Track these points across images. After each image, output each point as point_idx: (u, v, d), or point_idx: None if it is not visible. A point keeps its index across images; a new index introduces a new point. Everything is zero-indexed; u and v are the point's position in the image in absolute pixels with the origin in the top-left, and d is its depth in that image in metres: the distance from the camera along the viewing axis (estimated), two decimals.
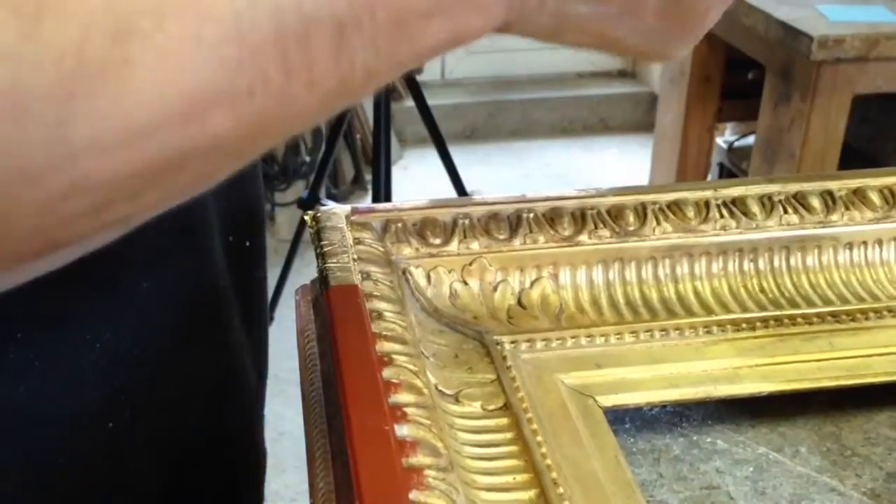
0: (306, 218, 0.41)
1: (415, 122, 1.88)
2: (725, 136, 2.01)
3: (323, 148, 1.73)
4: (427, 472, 0.27)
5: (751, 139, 1.66)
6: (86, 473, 0.35)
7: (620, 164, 2.64)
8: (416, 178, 2.48)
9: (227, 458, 0.42)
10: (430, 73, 2.75)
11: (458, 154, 1.66)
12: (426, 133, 1.53)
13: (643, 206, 0.43)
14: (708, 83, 1.70)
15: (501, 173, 2.56)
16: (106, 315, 0.34)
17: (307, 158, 2.15)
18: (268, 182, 2.14)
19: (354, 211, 0.41)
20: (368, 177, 2.09)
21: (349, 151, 2.22)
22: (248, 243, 0.42)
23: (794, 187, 0.44)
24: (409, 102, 1.56)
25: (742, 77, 1.70)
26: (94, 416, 0.35)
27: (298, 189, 2.11)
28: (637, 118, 2.80)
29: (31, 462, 0.33)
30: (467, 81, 2.81)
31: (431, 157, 1.61)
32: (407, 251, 0.40)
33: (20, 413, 0.32)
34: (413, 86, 1.31)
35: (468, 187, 1.61)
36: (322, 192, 1.66)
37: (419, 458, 0.28)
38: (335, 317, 0.34)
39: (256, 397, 0.46)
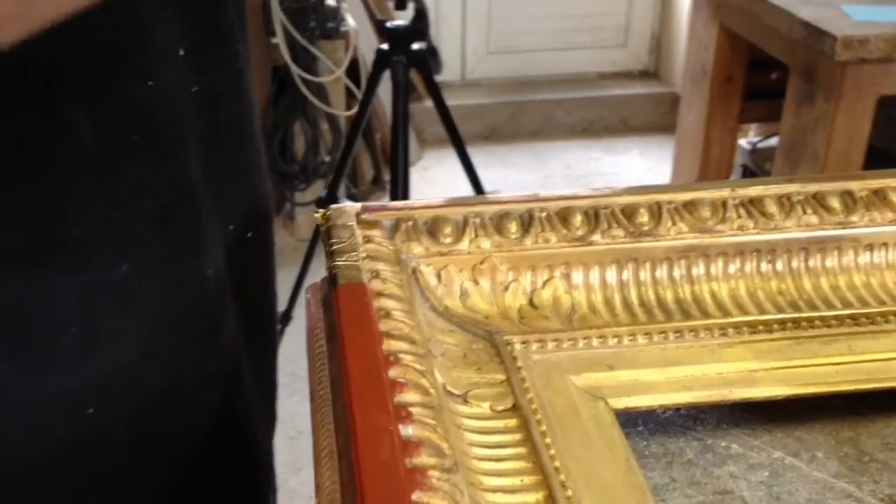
0: (317, 216, 0.40)
1: (434, 123, 1.88)
2: (749, 138, 1.99)
3: (342, 147, 1.73)
4: (431, 472, 0.27)
5: (774, 140, 1.64)
6: (60, 462, 0.34)
7: (642, 166, 2.62)
8: (436, 180, 2.48)
9: (220, 460, 0.42)
10: (450, 73, 2.75)
11: (477, 155, 1.65)
12: (446, 134, 1.53)
13: (658, 205, 0.42)
14: (730, 83, 1.68)
15: (521, 174, 2.55)
16: (78, 299, 0.33)
17: (326, 158, 2.15)
18: (287, 182, 2.15)
19: (365, 209, 0.40)
20: (388, 177, 2.09)
21: (369, 151, 2.22)
22: (249, 234, 0.42)
23: (813, 187, 0.43)
24: (429, 103, 1.55)
25: (765, 77, 1.68)
26: (69, 403, 0.34)
27: (318, 189, 2.12)
28: (659, 119, 2.78)
29: (4, 448, 0.33)
30: (487, 82, 2.80)
31: (451, 159, 1.60)
32: (417, 250, 0.40)
33: None
34: (432, 86, 1.30)
35: (488, 188, 1.61)
36: (341, 192, 1.66)
37: (423, 459, 0.27)
38: (342, 315, 0.33)
39: (259, 395, 0.45)
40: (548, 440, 0.33)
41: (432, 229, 0.40)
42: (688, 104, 1.82)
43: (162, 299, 0.36)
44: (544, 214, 0.41)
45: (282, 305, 1.62)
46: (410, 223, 0.40)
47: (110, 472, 0.37)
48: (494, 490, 0.30)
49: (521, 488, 0.31)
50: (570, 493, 0.31)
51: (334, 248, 0.37)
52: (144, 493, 0.38)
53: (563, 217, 0.41)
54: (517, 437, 0.33)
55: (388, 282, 0.36)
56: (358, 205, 0.40)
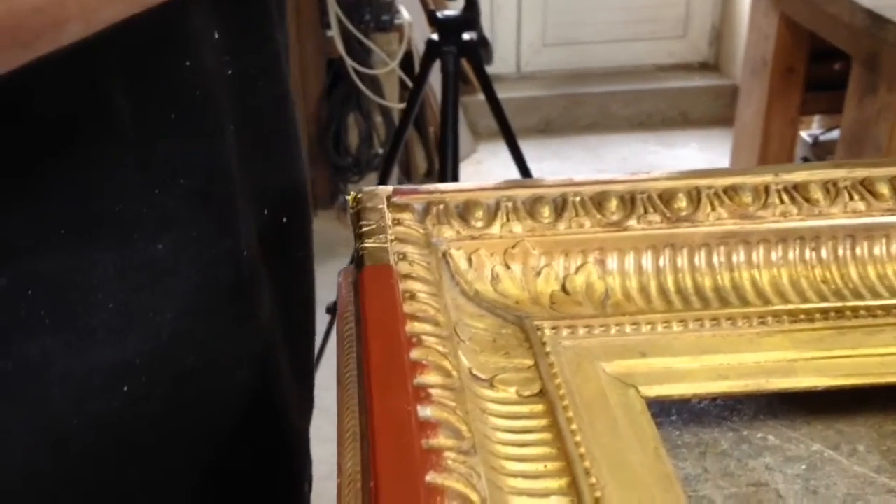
0: (348, 198, 0.40)
1: (488, 116, 1.87)
2: (812, 130, 1.94)
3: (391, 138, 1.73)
4: (447, 454, 0.27)
5: (837, 133, 1.60)
6: (98, 437, 0.35)
7: (700, 159, 2.57)
8: (490, 173, 2.47)
9: (254, 443, 0.42)
10: (505, 65, 2.74)
11: (532, 148, 1.64)
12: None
13: (697, 190, 0.41)
14: (791, 74, 1.64)
15: (576, 168, 2.52)
16: (117, 275, 0.34)
17: (380, 150, 2.16)
18: (341, 174, 2.16)
19: (396, 192, 0.40)
20: None
21: (422, 143, 2.23)
22: (284, 219, 0.42)
23: (861, 173, 0.42)
24: (483, 96, 1.55)
25: (827, 68, 1.63)
26: (107, 378, 0.35)
27: (371, 181, 2.13)
28: (718, 111, 2.73)
29: (45, 421, 0.33)
30: (543, 74, 2.78)
31: (505, 152, 1.59)
32: (448, 233, 0.39)
33: (33, 371, 0.33)
34: (483, 77, 1.30)
35: None
36: (393, 184, 1.66)
37: (440, 440, 0.27)
38: (366, 296, 0.33)
39: (296, 380, 0.45)
40: (574, 426, 0.32)
41: (464, 213, 0.40)
42: (747, 96, 1.78)
43: (198, 278, 0.37)
44: (578, 199, 0.40)
45: (332, 296, 1.63)
46: (442, 206, 0.40)
47: (146, 450, 0.37)
48: (516, 475, 0.30)
49: (544, 474, 0.30)
50: (593, 479, 0.30)
51: (363, 230, 0.37)
52: (180, 471, 0.39)
53: (598, 202, 0.40)
54: (543, 422, 0.33)
55: (415, 264, 0.36)
56: (389, 188, 0.40)
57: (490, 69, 1.34)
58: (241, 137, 0.38)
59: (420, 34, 2.21)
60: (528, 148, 1.57)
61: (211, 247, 0.37)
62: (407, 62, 2.10)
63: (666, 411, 0.37)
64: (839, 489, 0.33)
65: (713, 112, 2.75)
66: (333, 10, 1.99)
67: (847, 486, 0.33)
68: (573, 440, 0.31)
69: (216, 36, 0.36)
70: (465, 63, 1.33)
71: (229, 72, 0.37)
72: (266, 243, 0.40)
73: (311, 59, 2.13)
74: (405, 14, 2.13)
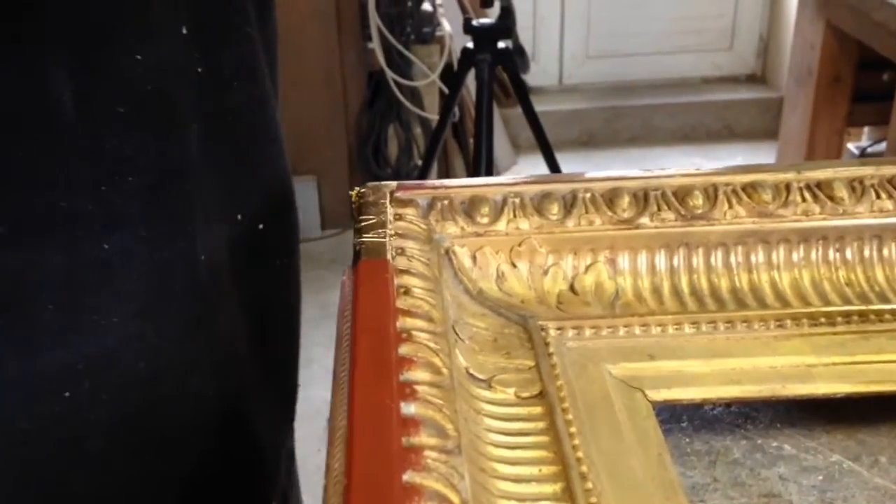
0: (351, 194, 0.39)
1: (529, 129, 1.86)
2: (860, 142, 1.89)
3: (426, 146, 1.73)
4: (427, 452, 0.25)
5: (885, 145, 1.55)
6: (43, 443, 0.34)
7: None
8: None
9: (213, 455, 0.39)
10: (547, 77, 2.72)
11: (574, 161, 1.62)
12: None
13: (714, 187, 0.39)
14: (837, 84, 1.60)
15: None
16: (62, 274, 0.33)
17: (419, 162, 2.15)
18: None
19: (400, 187, 0.39)
20: None
21: (462, 155, 2.22)
22: (261, 226, 0.40)
23: (889, 171, 0.39)
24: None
25: (876, 77, 1.59)
26: (50, 382, 0.33)
27: None
28: (765, 125, 2.67)
29: None
30: (585, 86, 2.76)
31: (545, 165, 1.58)
32: (452, 229, 0.38)
33: None
34: (518, 85, 1.28)
35: None
36: None
37: (422, 438, 0.26)
38: (359, 290, 0.32)
39: (271, 391, 0.43)
40: (573, 429, 0.31)
41: (469, 209, 0.38)
42: (792, 106, 1.74)
43: (148, 281, 0.35)
44: (589, 196, 0.39)
45: None
46: (446, 202, 0.39)
47: (92, 457, 0.36)
48: (506, 478, 0.28)
49: (538, 478, 0.29)
50: (590, 485, 0.28)
51: (362, 224, 0.36)
52: (130, 480, 0.37)
53: (610, 198, 0.39)
54: (540, 425, 0.31)
55: (413, 259, 0.35)
56: (393, 183, 0.39)
57: (532, 81, 1.33)
58: (209, 137, 0.37)
59: (461, 46, 2.21)
60: (569, 160, 1.55)
61: (163, 248, 0.35)
62: (447, 74, 2.09)
63: (676, 417, 0.35)
64: (857, 502, 0.31)
65: (759, 125, 2.70)
66: (375, 22, 2.00)
67: (866, 498, 0.31)
68: (571, 444, 0.30)
69: (184, 31, 0.35)
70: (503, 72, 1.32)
71: (199, 69, 0.36)
72: (239, 249, 0.39)
73: (351, 72, 2.14)
74: (446, 26, 2.13)
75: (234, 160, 0.38)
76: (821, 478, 0.32)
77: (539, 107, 1.56)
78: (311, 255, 2.12)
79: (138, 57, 0.33)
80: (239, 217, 0.39)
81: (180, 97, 0.35)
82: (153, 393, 0.36)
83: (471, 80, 1.63)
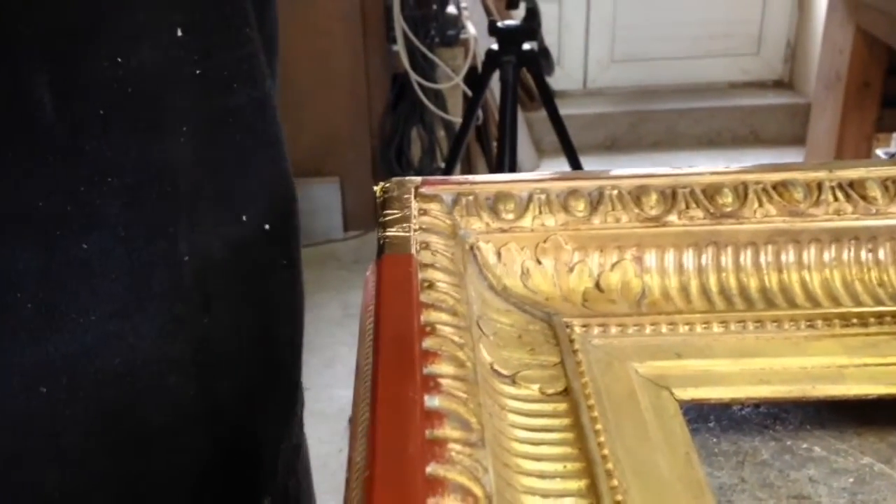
0: (376, 189, 0.39)
1: (552, 133, 1.85)
2: (889, 148, 1.87)
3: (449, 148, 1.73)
4: (451, 445, 0.25)
5: None
6: (18, 439, 0.34)
7: None
8: None
9: (195, 453, 0.39)
10: (571, 81, 2.71)
11: (597, 165, 1.61)
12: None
13: (744, 185, 0.39)
14: (867, 89, 1.58)
15: None
16: (39, 274, 0.33)
17: (442, 165, 2.15)
18: None
19: (425, 182, 0.39)
20: None
21: (485, 159, 2.22)
22: (266, 227, 0.40)
23: None
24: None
25: None
26: (26, 378, 0.33)
27: None
28: (792, 130, 2.65)
29: None
30: (610, 91, 2.75)
31: (568, 168, 1.57)
32: (477, 225, 0.38)
33: None
34: (543, 87, 1.28)
35: None
36: None
37: (445, 431, 0.25)
38: (382, 284, 0.32)
39: (270, 391, 0.43)
40: (598, 426, 0.30)
41: (494, 205, 0.38)
42: (820, 111, 1.72)
43: (127, 280, 0.35)
44: (616, 192, 0.39)
45: None
46: (471, 198, 0.38)
47: (69, 452, 0.36)
48: (531, 474, 0.28)
49: (563, 474, 0.28)
50: (615, 482, 0.28)
51: (386, 218, 0.36)
52: (108, 476, 0.37)
53: (637, 196, 0.38)
54: (565, 421, 0.31)
55: (438, 254, 0.34)
56: (418, 178, 0.39)
57: (556, 85, 1.32)
58: (208, 139, 0.37)
59: (485, 48, 2.21)
60: (593, 165, 1.55)
61: (142, 249, 0.35)
62: (471, 77, 2.09)
63: (704, 417, 0.35)
64: None
65: (786, 131, 2.67)
66: (399, 24, 2.00)
67: None
68: (596, 440, 0.29)
69: (180, 33, 0.35)
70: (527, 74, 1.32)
71: (197, 71, 0.36)
72: (240, 250, 0.39)
73: (376, 74, 2.15)
74: (471, 29, 2.13)
75: (232, 160, 0.38)
76: (851, 480, 0.31)
77: (563, 110, 1.55)
78: (333, 256, 2.13)
79: (119, 59, 0.33)
80: (244, 218, 0.39)
81: (169, 99, 0.35)
82: (130, 390, 0.36)
83: (495, 83, 1.63)
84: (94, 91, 0.33)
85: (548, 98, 1.29)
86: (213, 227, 0.37)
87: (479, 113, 1.91)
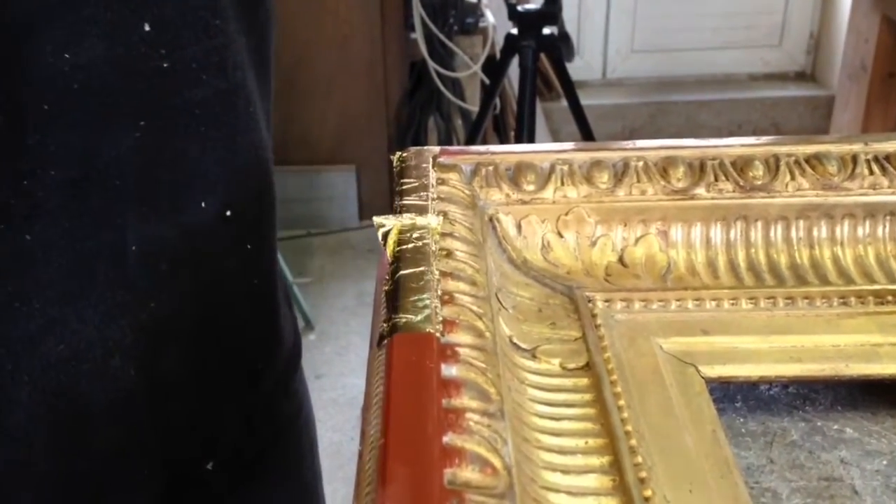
0: (393, 158, 0.38)
1: (571, 123, 1.83)
2: None
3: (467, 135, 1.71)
4: (469, 415, 0.24)
5: None
6: None
7: None
8: None
9: (135, 438, 0.39)
10: (590, 72, 2.69)
11: None
12: (579, 132, 1.49)
13: (776, 157, 0.37)
14: (892, 79, 1.55)
15: None
16: None
17: None
18: None
19: (444, 152, 0.38)
20: None
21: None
22: (228, 213, 0.40)
23: None
24: (565, 102, 1.52)
25: None
26: None
27: None
28: (814, 123, 2.61)
29: None
30: (629, 81, 2.72)
31: None
32: (496, 196, 0.37)
33: None
34: (562, 73, 1.26)
35: None
36: None
37: (463, 401, 0.24)
38: (399, 251, 0.31)
39: (222, 361, 0.42)
40: (621, 402, 0.29)
41: (515, 176, 0.37)
42: (844, 102, 1.69)
43: (70, 268, 0.35)
44: (641, 164, 0.37)
45: None
46: (491, 168, 0.37)
47: (14, 431, 0.36)
48: (551, 449, 0.27)
49: (584, 450, 0.27)
50: (639, 459, 0.27)
51: (403, 187, 0.35)
52: (53, 452, 0.38)
53: (664, 167, 0.37)
54: (587, 397, 0.29)
55: (456, 223, 0.33)
56: (436, 148, 0.38)
57: (575, 75, 1.30)
58: (165, 131, 0.37)
59: (503, 37, 2.19)
60: None
61: (86, 240, 0.35)
62: (489, 65, 2.08)
63: (730, 397, 0.33)
64: None
65: (808, 123, 2.64)
66: (418, 12, 1.99)
67: None
68: (619, 416, 0.28)
69: (147, 28, 0.34)
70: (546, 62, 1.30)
71: (164, 65, 0.36)
72: (197, 236, 0.39)
73: (393, 62, 2.13)
74: (490, 17, 2.11)
75: (197, 151, 0.38)
76: (885, 462, 0.30)
77: (582, 101, 1.53)
78: (349, 245, 2.12)
79: (67, 55, 0.32)
80: (203, 205, 0.38)
81: (124, 93, 0.34)
82: (74, 373, 0.36)
83: (513, 72, 1.61)
84: (39, 87, 0.33)
85: (567, 84, 1.27)
86: (166, 215, 0.37)
87: (497, 102, 1.89)
